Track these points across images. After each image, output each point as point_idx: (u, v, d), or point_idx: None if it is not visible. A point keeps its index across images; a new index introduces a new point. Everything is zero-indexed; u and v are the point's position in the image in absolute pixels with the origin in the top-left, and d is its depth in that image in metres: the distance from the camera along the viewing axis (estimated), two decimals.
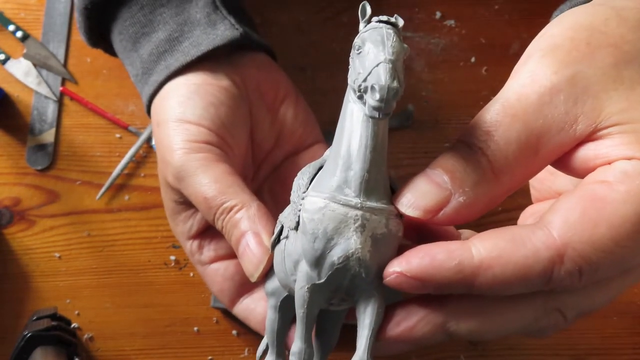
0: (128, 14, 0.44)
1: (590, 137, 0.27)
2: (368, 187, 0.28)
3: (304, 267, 0.29)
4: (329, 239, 0.27)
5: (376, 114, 0.25)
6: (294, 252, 0.30)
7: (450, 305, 0.28)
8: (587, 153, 0.27)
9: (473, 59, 0.60)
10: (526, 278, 0.25)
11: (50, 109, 0.60)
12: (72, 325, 0.54)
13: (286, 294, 0.35)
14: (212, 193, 0.37)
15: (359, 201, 0.27)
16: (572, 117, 0.27)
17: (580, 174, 0.28)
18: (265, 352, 0.38)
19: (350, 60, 0.27)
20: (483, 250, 0.26)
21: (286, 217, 0.33)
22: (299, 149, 0.46)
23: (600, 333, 0.54)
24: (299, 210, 0.29)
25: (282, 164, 0.46)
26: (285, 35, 0.61)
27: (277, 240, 0.34)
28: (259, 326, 0.41)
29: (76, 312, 0.55)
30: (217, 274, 0.42)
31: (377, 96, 0.24)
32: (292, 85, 0.47)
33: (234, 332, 0.55)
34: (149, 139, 0.57)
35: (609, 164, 0.26)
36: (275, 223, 0.36)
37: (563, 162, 0.28)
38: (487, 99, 0.41)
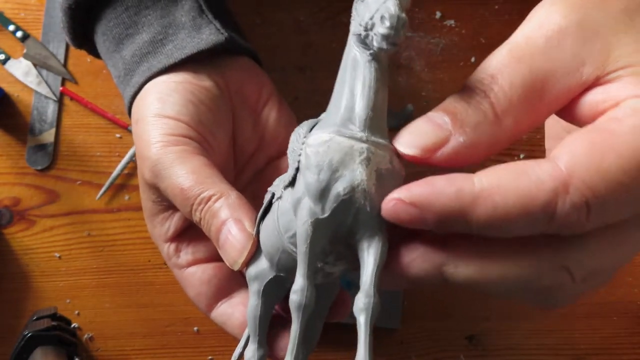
0: (112, 15, 0.44)
1: (598, 81, 0.26)
2: (372, 124, 0.28)
3: (306, 203, 0.28)
4: (334, 171, 0.27)
5: (384, 45, 0.26)
6: (293, 199, 0.29)
7: (451, 245, 0.27)
8: (595, 97, 0.26)
9: (473, 59, 0.60)
10: (528, 210, 0.24)
11: (50, 109, 0.60)
12: (72, 325, 0.54)
13: (270, 277, 0.34)
14: (189, 183, 0.37)
15: (364, 135, 0.28)
16: (580, 60, 0.26)
17: (590, 120, 0.26)
18: (244, 348, 0.37)
19: (354, 10, 0.28)
20: (485, 179, 0.25)
21: (277, 185, 0.33)
22: (281, 152, 0.45)
23: (600, 333, 0.54)
24: (300, 154, 0.29)
25: (264, 168, 0.46)
26: (285, 35, 0.61)
27: (266, 212, 0.33)
28: (236, 331, 0.40)
29: (76, 312, 0.55)
30: (194, 278, 0.41)
31: (387, 23, 0.25)
32: (275, 89, 0.46)
33: None
34: None
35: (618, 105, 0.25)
36: (256, 214, 0.36)
37: (570, 109, 0.27)
38: None
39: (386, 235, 0.28)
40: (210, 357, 0.54)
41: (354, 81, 0.28)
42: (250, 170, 0.46)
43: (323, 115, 0.32)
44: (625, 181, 0.23)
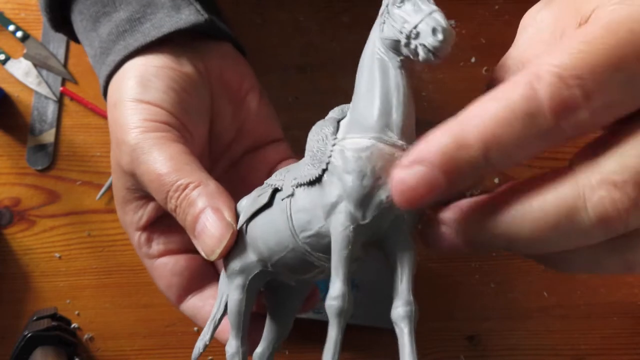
0: None
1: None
2: (407, 132, 0.29)
3: (346, 208, 0.28)
4: (377, 178, 0.28)
5: (431, 57, 0.27)
6: (324, 203, 0.29)
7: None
8: None
9: (473, 59, 0.60)
10: (514, 107, 0.23)
11: (50, 109, 0.60)
12: (72, 326, 0.54)
13: (257, 271, 0.34)
14: (166, 170, 0.35)
15: (404, 143, 0.28)
16: (559, 30, 0.28)
17: None
18: (210, 340, 0.37)
19: (386, 13, 0.28)
20: (467, 108, 0.24)
21: (280, 180, 0.33)
22: (259, 145, 0.45)
23: (600, 333, 0.54)
24: (330, 156, 0.29)
25: (240, 159, 0.45)
26: (285, 35, 0.61)
27: (268, 205, 0.33)
28: (204, 324, 0.39)
29: (76, 312, 0.55)
30: (165, 269, 0.41)
31: (440, 37, 0.26)
32: (256, 80, 0.45)
33: None
34: None
35: None
36: (234, 204, 0.35)
37: None
38: None
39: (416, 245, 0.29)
40: (210, 357, 0.54)
41: (387, 86, 0.29)
42: (226, 160, 0.45)
43: (347, 114, 0.31)
44: (591, 50, 0.23)
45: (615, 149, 0.23)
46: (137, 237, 0.41)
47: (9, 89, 0.60)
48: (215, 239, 0.34)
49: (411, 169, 0.24)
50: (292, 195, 0.31)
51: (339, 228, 0.28)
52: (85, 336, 0.55)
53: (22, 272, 0.56)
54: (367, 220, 0.28)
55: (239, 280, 0.35)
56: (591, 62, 0.23)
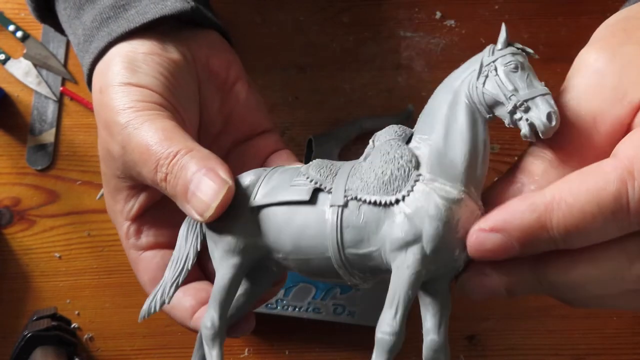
0: None
1: None
2: (480, 190, 0.30)
3: (422, 252, 0.29)
4: (457, 231, 0.29)
5: (533, 136, 0.28)
6: (397, 238, 0.29)
7: (545, 257, 0.28)
8: None
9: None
10: (601, 203, 0.25)
11: (51, 109, 0.60)
12: (72, 325, 0.54)
13: (260, 256, 0.34)
14: (156, 139, 0.34)
15: (481, 203, 0.30)
16: (622, 90, 0.28)
17: None
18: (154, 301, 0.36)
19: (492, 70, 0.30)
20: (554, 187, 0.26)
21: (325, 180, 0.32)
22: (248, 136, 0.44)
23: (601, 333, 0.54)
24: (411, 190, 0.30)
25: (230, 151, 0.44)
26: (285, 35, 0.61)
27: (306, 202, 0.32)
28: (180, 315, 0.39)
29: (76, 312, 0.55)
30: (151, 262, 0.40)
31: (554, 123, 0.28)
32: (243, 70, 0.44)
33: None
34: None
35: None
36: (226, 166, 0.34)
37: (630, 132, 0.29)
38: None
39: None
40: None
41: (476, 139, 0.30)
42: (215, 152, 0.43)
43: (423, 148, 0.31)
44: None
45: None
46: (126, 228, 0.40)
47: (9, 89, 0.60)
48: (210, 195, 0.32)
49: (491, 235, 0.27)
50: (345, 205, 0.31)
51: (409, 269, 0.29)
52: (85, 336, 0.55)
53: (22, 272, 0.56)
54: (434, 268, 0.29)
55: (236, 259, 0.34)
56: None
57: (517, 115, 0.29)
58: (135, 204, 0.40)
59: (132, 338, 0.55)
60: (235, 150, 0.44)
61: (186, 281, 0.37)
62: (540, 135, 0.28)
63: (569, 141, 0.29)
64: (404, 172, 0.30)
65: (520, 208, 0.26)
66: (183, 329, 0.55)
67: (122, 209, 0.40)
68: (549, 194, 0.26)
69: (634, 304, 0.29)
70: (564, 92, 0.30)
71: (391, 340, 0.29)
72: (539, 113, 0.28)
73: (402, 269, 0.29)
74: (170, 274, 0.36)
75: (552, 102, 0.28)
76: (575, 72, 0.30)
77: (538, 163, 0.30)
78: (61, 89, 0.60)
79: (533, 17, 0.61)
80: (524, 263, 0.28)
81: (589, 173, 0.26)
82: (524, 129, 0.28)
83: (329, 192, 0.32)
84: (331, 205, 0.31)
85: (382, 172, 0.30)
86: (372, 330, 0.53)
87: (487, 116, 0.30)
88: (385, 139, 0.32)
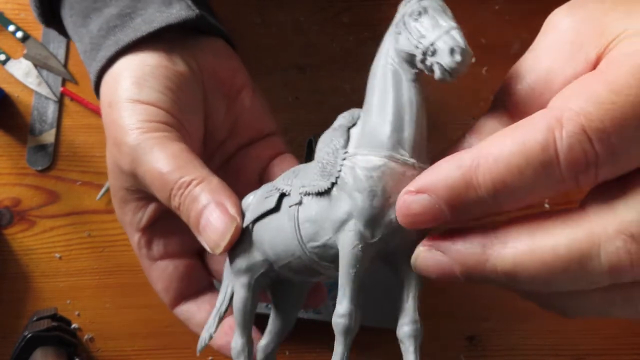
0: None
1: (601, 56, 0.26)
2: (419, 149, 0.29)
3: (355, 227, 0.28)
4: (387, 197, 0.27)
5: (447, 76, 0.26)
6: (334, 219, 0.29)
7: (496, 229, 0.25)
8: None
9: (473, 59, 0.59)
10: (528, 155, 0.23)
11: (51, 110, 0.60)
12: (73, 326, 0.54)
13: (262, 270, 0.34)
14: (168, 168, 0.35)
15: (415, 162, 0.28)
16: (577, 45, 0.27)
17: None
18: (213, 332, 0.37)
19: (402, 25, 0.28)
20: (483, 142, 0.24)
21: (286, 184, 0.32)
22: (252, 140, 0.44)
23: (600, 333, 0.54)
24: (339, 170, 0.29)
25: (234, 155, 0.44)
26: (285, 35, 0.61)
27: (275, 209, 0.33)
28: (197, 329, 0.40)
29: (76, 312, 0.55)
30: (165, 272, 0.41)
31: (459, 58, 0.26)
32: (248, 75, 0.45)
33: None
34: None
35: None
36: (239, 201, 0.35)
37: None
38: (487, 99, 0.41)
39: None
40: (210, 358, 0.54)
41: (400, 100, 0.29)
42: (220, 157, 0.44)
43: (340, 121, 0.31)
44: (617, 99, 0.22)
45: (633, 197, 0.23)
46: (137, 239, 0.41)
47: (9, 89, 0.60)
48: (219, 232, 0.34)
49: (417, 196, 0.25)
50: (299, 203, 0.31)
51: (347, 246, 0.28)
52: (86, 336, 0.55)
53: (22, 273, 0.56)
54: (375, 239, 0.28)
55: (244, 279, 0.35)
56: (619, 116, 0.22)
57: (428, 62, 0.27)
58: (144, 216, 0.40)
59: (133, 338, 0.55)
60: (239, 153, 0.44)
61: (201, 292, 0.41)
62: (451, 74, 0.26)
63: (522, 99, 0.28)
64: (334, 154, 0.30)
65: (446, 165, 0.24)
66: (183, 329, 0.55)
67: (131, 220, 0.41)
68: (477, 149, 0.24)
69: (620, 314, 0.25)
70: (527, 52, 0.29)
71: (342, 322, 0.28)
72: (444, 52, 0.26)
73: (343, 249, 0.28)
74: (217, 303, 0.38)
75: (458, 35, 0.26)
76: (541, 32, 0.29)
77: (489, 122, 0.28)
78: (61, 89, 0.60)
79: (533, 17, 0.60)
80: (474, 240, 0.25)
81: (519, 125, 0.24)
82: (437, 72, 0.27)
83: (289, 194, 0.32)
84: (290, 206, 0.32)
85: (319, 161, 0.30)
86: (372, 330, 0.53)
87: (413, 72, 0.28)
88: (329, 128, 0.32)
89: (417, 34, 0.27)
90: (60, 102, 0.60)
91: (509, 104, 0.28)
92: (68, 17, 0.44)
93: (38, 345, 0.49)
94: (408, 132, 0.28)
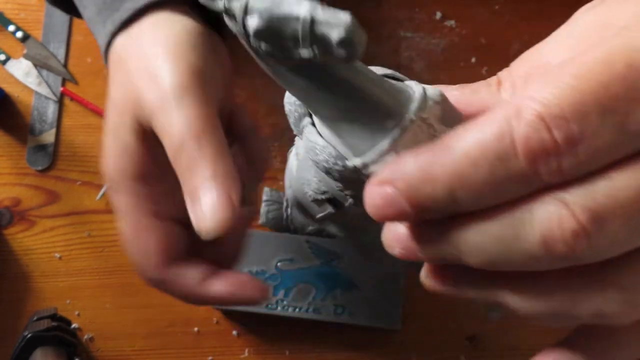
0: None
1: None
2: None
3: None
4: None
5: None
6: None
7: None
8: None
9: (473, 60, 0.60)
10: (483, 146, 0.21)
11: (51, 110, 0.60)
12: (73, 326, 0.54)
13: None
14: (184, 131, 0.34)
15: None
16: (585, 38, 0.26)
17: None
18: None
19: None
20: (444, 136, 0.23)
21: None
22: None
23: None
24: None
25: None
26: None
27: None
28: (186, 290, 0.37)
29: (76, 312, 0.55)
30: (161, 230, 0.38)
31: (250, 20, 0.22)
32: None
33: (234, 332, 0.55)
34: None
35: None
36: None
37: None
38: None
39: None
40: (210, 358, 0.54)
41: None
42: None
43: None
44: (578, 85, 0.20)
45: (583, 180, 0.21)
46: (136, 189, 0.38)
47: (9, 89, 0.60)
48: (213, 218, 0.32)
49: (381, 188, 0.23)
50: None
51: None
52: (86, 336, 0.55)
53: (22, 272, 0.56)
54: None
55: None
56: (578, 100, 0.20)
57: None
58: (142, 159, 0.38)
59: (133, 338, 0.55)
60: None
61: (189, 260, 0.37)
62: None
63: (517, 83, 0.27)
64: None
65: (409, 158, 0.22)
66: (183, 329, 0.56)
67: (125, 166, 0.38)
68: (438, 142, 0.22)
69: (581, 314, 0.23)
70: (537, 45, 0.28)
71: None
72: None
73: None
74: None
75: None
76: (562, 26, 0.28)
77: (482, 88, 0.28)
78: (61, 89, 0.60)
79: (533, 18, 0.61)
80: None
81: (482, 117, 0.22)
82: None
83: None
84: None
85: None
86: (372, 330, 0.53)
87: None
88: None
89: None
90: (60, 102, 0.60)
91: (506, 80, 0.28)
92: None
93: (38, 345, 0.49)
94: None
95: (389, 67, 0.29)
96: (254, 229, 0.53)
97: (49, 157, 0.58)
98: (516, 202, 0.22)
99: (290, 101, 0.31)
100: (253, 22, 0.20)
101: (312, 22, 0.19)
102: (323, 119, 0.26)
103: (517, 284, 0.24)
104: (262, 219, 0.52)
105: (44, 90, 0.60)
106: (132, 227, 0.39)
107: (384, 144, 0.24)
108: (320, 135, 0.28)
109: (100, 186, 0.58)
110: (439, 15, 0.61)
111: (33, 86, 0.60)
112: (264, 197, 0.52)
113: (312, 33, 0.20)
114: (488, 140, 0.21)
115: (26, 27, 0.61)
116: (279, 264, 0.53)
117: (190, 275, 0.37)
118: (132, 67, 0.38)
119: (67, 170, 0.58)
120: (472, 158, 0.21)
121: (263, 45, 0.21)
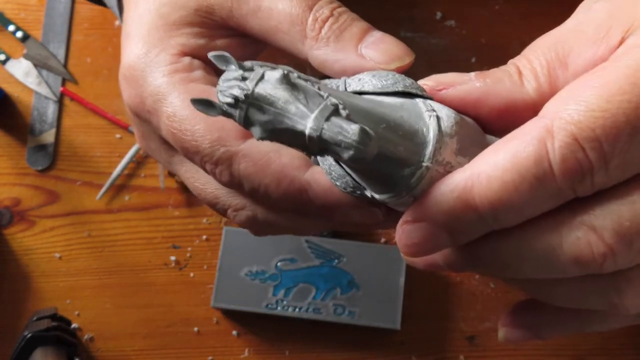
0: None
1: (622, 43, 0.25)
2: None
3: None
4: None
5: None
6: None
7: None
8: None
9: (473, 59, 0.60)
10: (522, 169, 0.22)
11: (51, 110, 0.60)
12: (72, 326, 0.54)
13: None
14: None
15: None
16: (605, 28, 0.25)
17: None
18: None
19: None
20: (476, 159, 0.24)
21: None
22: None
23: (601, 333, 0.54)
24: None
25: None
26: None
27: None
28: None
29: (76, 312, 0.55)
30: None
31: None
32: None
33: (234, 332, 0.55)
34: None
35: None
36: None
37: None
38: None
39: None
40: (210, 358, 0.54)
41: None
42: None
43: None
44: (607, 107, 0.22)
45: (609, 199, 0.23)
46: (172, 60, 0.32)
47: (9, 89, 0.60)
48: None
49: (416, 225, 0.24)
50: None
51: None
52: (86, 336, 0.55)
53: (22, 272, 0.56)
54: None
55: None
56: (610, 125, 0.21)
57: None
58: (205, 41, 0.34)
59: (133, 338, 0.55)
60: None
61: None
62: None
63: (533, 65, 0.27)
64: None
65: (441, 189, 0.23)
66: (183, 330, 0.56)
67: (170, 41, 0.33)
68: (469, 168, 0.23)
69: (595, 304, 0.25)
70: (550, 32, 0.28)
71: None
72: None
73: None
74: None
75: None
76: (574, 13, 0.28)
77: (496, 70, 0.27)
78: (61, 89, 0.60)
79: (533, 18, 0.61)
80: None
81: (510, 138, 0.23)
82: None
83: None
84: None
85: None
86: (372, 330, 0.53)
87: None
88: None
89: None
90: (60, 102, 0.60)
91: (519, 61, 0.27)
92: None
93: (38, 345, 0.49)
94: None
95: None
96: None
97: (49, 157, 0.58)
98: (548, 219, 0.23)
99: None
100: (256, 133, 0.20)
101: (320, 140, 0.19)
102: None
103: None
104: None
105: (44, 90, 0.60)
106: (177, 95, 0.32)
107: (401, 191, 0.25)
108: (339, 163, 0.27)
109: (100, 186, 0.58)
110: (439, 15, 0.61)
111: (33, 86, 0.60)
112: None
113: (321, 149, 0.19)
114: (526, 163, 0.22)
115: (26, 27, 0.61)
116: (279, 264, 0.53)
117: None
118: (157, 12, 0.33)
119: (67, 170, 0.58)
120: (511, 182, 0.22)
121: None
